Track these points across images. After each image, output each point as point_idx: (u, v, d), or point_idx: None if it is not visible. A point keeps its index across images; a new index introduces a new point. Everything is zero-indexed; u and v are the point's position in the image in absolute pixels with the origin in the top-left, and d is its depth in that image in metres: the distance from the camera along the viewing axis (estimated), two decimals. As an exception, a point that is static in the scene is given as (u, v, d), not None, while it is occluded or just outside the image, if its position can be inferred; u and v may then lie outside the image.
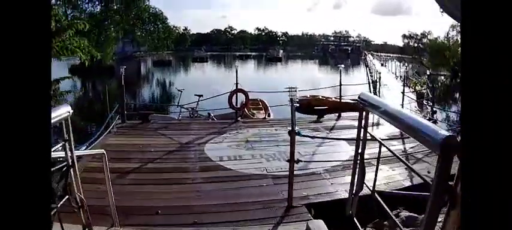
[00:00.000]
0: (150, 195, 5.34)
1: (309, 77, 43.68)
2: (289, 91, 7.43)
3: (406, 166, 6.01)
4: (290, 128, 4.73)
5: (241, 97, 11.23)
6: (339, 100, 12.42)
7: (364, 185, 2.46)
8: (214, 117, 11.98)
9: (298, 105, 17.02)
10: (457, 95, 30.39)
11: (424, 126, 1.54)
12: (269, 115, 13.52)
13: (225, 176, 6.17)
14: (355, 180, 2.52)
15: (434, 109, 12.69)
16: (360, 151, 2.51)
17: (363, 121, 2.48)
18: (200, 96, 12.24)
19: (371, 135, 2.53)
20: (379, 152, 2.27)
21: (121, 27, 43.28)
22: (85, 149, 7.16)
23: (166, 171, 6.43)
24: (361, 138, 2.51)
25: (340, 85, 12.03)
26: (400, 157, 2.48)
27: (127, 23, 43.82)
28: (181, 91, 12.87)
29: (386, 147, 2.28)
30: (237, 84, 10.86)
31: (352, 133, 8.82)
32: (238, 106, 11.17)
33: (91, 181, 4.88)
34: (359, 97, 2.47)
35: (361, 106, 2.40)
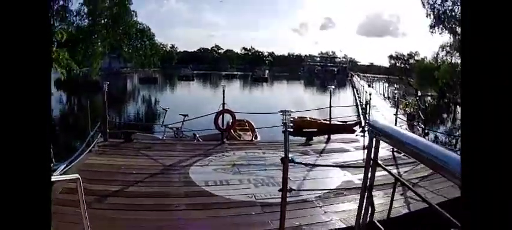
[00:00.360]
0: (130, 222, 4.96)
1: (296, 98, 43.66)
2: (283, 114, 7.10)
3: (403, 191, 5.78)
4: (282, 154, 4.39)
5: (227, 117, 10.92)
6: (328, 121, 12.14)
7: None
8: (200, 138, 11.62)
9: (292, 129, 16.85)
10: (445, 115, 30.64)
11: (448, 156, 1.43)
12: (256, 137, 13.18)
13: (210, 203, 5.78)
14: (363, 210, 2.37)
15: (426, 130, 12.52)
16: (368, 182, 2.33)
17: (373, 150, 2.27)
18: (185, 115, 11.87)
19: (383, 167, 2.29)
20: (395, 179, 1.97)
21: (108, 42, 42.81)
22: (64, 168, 6.72)
23: (149, 196, 6.03)
24: (371, 167, 2.31)
25: (330, 106, 11.73)
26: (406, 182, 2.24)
27: (114, 38, 43.37)
28: (166, 111, 12.48)
29: (403, 182, 2.02)
30: (223, 104, 10.53)
31: (344, 157, 8.58)
32: (225, 127, 10.84)
33: (69, 203, 4.60)
34: (369, 124, 2.24)
35: (371, 133, 2.20)
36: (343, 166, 7.97)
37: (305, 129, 12.57)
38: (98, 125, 9.77)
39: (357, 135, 13.10)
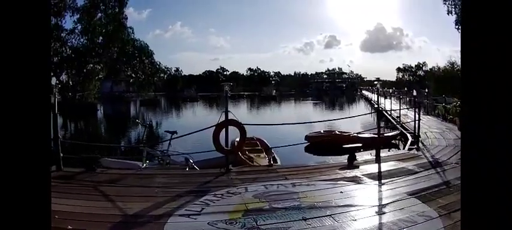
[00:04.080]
0: None
1: (307, 114, 40.37)
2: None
3: None
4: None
5: (234, 133, 7.55)
6: (376, 136, 8.90)
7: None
8: (195, 164, 8.26)
9: (307, 142, 13.47)
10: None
11: None
12: (275, 161, 9.74)
13: None
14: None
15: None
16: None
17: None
18: (173, 133, 8.54)
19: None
20: None
21: (103, 62, 39.83)
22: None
23: None
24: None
25: (378, 114, 8.36)
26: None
27: (109, 57, 40.29)
28: (146, 127, 9.13)
29: None
30: (226, 112, 7.00)
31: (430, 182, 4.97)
32: (230, 147, 7.47)
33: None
34: None
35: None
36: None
37: (345, 145, 9.06)
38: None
39: (409, 150, 10.03)
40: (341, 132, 15.21)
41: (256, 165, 9.04)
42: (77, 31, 37.93)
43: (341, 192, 5.58)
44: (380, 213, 4.58)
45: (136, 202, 4.96)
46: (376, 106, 32.07)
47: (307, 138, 14.34)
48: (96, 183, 5.97)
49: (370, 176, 6.62)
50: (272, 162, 9.25)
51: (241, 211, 4.61)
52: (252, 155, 10.06)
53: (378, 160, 7.96)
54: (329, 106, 57.40)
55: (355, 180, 6.35)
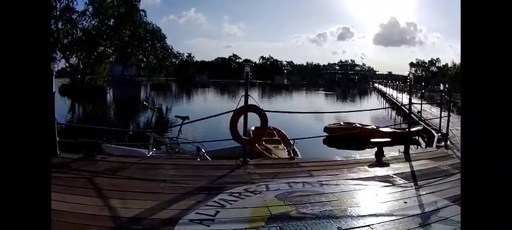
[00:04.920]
0: None
1: (320, 104, 39.48)
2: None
3: None
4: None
5: (253, 120, 6.65)
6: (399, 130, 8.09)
7: None
8: (207, 155, 7.46)
9: (327, 133, 12.66)
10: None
11: None
12: (295, 153, 8.76)
13: None
14: None
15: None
16: None
17: None
18: (184, 118, 7.70)
19: None
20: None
21: (114, 44, 39.11)
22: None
23: None
24: None
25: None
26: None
27: (120, 39, 39.51)
28: (154, 110, 8.30)
29: None
30: (246, 97, 6.09)
31: None
32: (248, 135, 6.61)
33: None
34: None
35: None
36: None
37: (373, 138, 8.14)
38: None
39: (437, 147, 9.23)
40: (361, 124, 14.32)
41: (275, 157, 8.19)
42: (88, 13, 37.52)
43: (376, 195, 4.78)
44: (424, 224, 3.75)
45: (137, 200, 4.18)
46: (392, 100, 31.38)
47: (326, 129, 13.50)
48: (92, 174, 5.19)
49: (403, 175, 5.77)
50: (291, 155, 8.36)
51: (264, 216, 3.78)
52: (269, 146, 9.21)
53: (408, 157, 7.13)
54: (341, 97, 56.43)
55: (388, 180, 5.50)
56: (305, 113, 10.43)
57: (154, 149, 7.64)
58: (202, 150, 7.43)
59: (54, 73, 6.11)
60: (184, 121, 7.68)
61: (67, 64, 38.11)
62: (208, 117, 7.02)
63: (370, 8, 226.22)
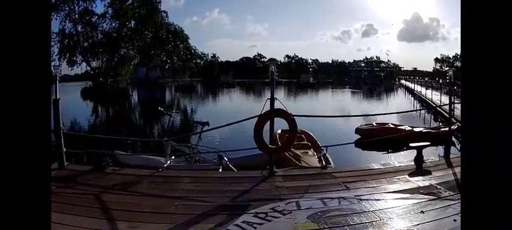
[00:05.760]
0: None
1: (347, 103, 38.32)
2: None
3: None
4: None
5: (278, 121, 5.87)
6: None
7: None
8: (231, 164, 6.81)
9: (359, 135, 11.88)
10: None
11: None
12: (326, 160, 7.89)
13: None
14: None
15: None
16: None
17: None
18: (204, 124, 7.07)
19: None
20: None
21: (136, 46, 38.94)
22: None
23: None
24: None
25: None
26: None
27: (142, 41, 39.28)
28: (171, 115, 7.69)
29: None
30: (272, 100, 5.35)
31: None
32: (272, 142, 5.86)
33: None
34: None
35: None
36: None
37: (412, 143, 7.16)
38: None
39: None
40: (394, 124, 13.43)
41: (305, 165, 7.43)
42: (108, 16, 37.42)
43: (422, 212, 4.00)
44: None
45: (146, 223, 3.57)
46: (421, 97, 30.06)
47: (358, 130, 12.66)
48: (100, 189, 4.63)
49: (447, 185, 4.92)
50: (324, 163, 7.55)
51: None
52: (298, 152, 8.41)
53: (449, 162, 6.27)
54: (367, 95, 55.05)
55: (433, 192, 4.70)
56: (337, 117, 9.59)
57: (173, 157, 7.05)
58: (225, 158, 6.75)
59: (57, 78, 5.54)
60: (203, 129, 7.10)
61: (88, 68, 38.21)
62: (228, 124, 6.33)
63: (393, 3, 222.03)
